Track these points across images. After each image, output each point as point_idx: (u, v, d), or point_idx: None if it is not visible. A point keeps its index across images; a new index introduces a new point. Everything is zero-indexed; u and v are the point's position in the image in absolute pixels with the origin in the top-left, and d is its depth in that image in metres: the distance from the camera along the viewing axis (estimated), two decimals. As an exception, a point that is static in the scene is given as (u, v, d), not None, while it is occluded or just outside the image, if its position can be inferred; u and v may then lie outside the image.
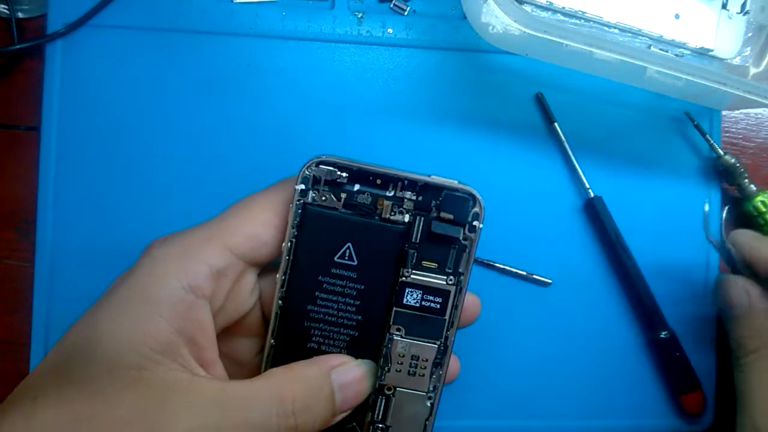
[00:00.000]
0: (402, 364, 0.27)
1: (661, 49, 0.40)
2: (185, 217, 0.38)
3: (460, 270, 0.27)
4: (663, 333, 0.40)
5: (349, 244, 0.26)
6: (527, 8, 0.39)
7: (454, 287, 0.27)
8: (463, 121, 0.40)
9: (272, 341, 0.27)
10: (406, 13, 0.40)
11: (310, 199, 0.26)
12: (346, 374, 0.26)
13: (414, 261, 0.27)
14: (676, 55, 0.41)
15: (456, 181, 0.26)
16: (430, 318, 0.27)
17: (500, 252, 0.40)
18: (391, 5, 0.40)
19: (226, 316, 0.27)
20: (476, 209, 0.26)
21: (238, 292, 0.27)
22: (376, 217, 0.26)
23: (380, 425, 0.28)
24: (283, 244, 0.26)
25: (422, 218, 0.27)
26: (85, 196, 0.38)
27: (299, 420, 0.24)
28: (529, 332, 0.40)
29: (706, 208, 0.41)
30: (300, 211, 0.26)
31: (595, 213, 0.40)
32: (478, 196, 0.26)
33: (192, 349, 0.24)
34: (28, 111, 0.38)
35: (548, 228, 0.40)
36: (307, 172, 0.26)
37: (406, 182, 0.26)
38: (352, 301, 0.27)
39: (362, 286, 0.27)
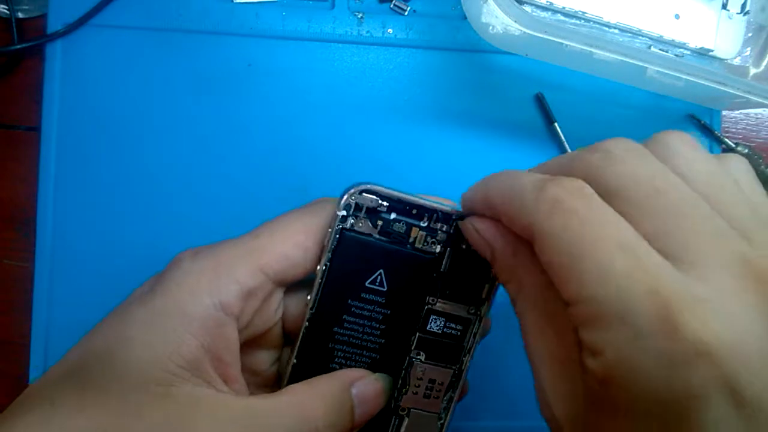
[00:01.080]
0: (419, 387, 0.28)
1: (661, 50, 0.40)
2: (185, 217, 0.38)
3: (483, 303, 0.28)
4: (663, 333, 0.40)
5: (381, 270, 0.27)
6: (527, 8, 0.39)
7: (474, 317, 0.28)
8: (463, 121, 0.40)
9: (294, 360, 0.27)
10: (406, 13, 0.40)
11: (348, 225, 0.26)
12: (365, 388, 0.27)
13: (441, 290, 0.28)
14: (676, 55, 0.41)
15: (441, 205, 0.27)
16: (450, 344, 0.28)
17: (500, 252, 0.40)
18: (391, 5, 0.40)
19: (250, 332, 0.27)
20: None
21: (264, 311, 0.27)
22: (409, 246, 0.27)
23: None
24: (318, 267, 0.26)
25: (451, 249, 0.27)
26: (85, 196, 0.38)
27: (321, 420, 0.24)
28: (529, 332, 0.40)
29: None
30: (338, 236, 0.26)
31: (595, 213, 0.40)
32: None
33: (217, 365, 0.24)
34: (28, 111, 0.38)
35: (548, 228, 0.40)
36: (349, 200, 0.26)
37: (440, 214, 0.27)
38: (377, 325, 0.28)
39: (389, 311, 0.27)
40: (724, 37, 0.41)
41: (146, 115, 0.38)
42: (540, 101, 0.41)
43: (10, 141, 0.39)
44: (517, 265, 0.23)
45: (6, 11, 0.38)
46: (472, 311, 0.28)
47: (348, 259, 0.27)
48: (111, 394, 0.22)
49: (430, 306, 0.28)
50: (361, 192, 0.26)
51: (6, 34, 0.38)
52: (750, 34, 0.42)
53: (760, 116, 0.44)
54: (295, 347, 0.27)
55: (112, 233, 0.38)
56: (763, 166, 0.42)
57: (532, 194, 0.21)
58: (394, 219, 0.27)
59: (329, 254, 0.26)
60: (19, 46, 0.37)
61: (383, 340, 0.28)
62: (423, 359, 0.28)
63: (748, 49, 0.42)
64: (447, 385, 0.28)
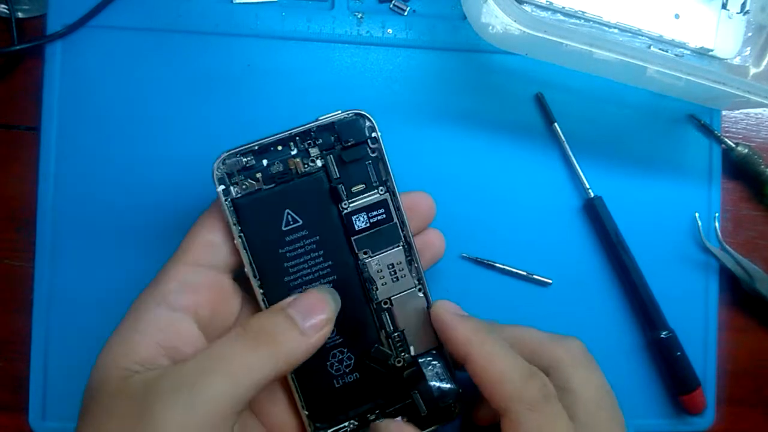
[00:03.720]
0: (383, 277, 0.30)
1: (661, 49, 0.40)
2: (185, 217, 0.38)
3: (384, 178, 0.30)
4: (663, 333, 0.40)
5: (287, 210, 0.29)
6: (527, 8, 0.39)
7: (388, 194, 0.30)
8: (463, 121, 0.40)
9: None
10: (405, 14, 0.40)
11: (235, 194, 0.28)
12: (301, 298, 0.28)
13: (345, 193, 0.29)
14: (676, 55, 0.41)
15: (339, 111, 0.29)
16: (384, 228, 0.30)
17: (500, 252, 0.40)
18: (391, 5, 0.40)
19: (221, 322, 0.29)
20: (368, 123, 0.29)
21: (220, 299, 0.29)
22: (295, 177, 0.29)
23: (396, 333, 0.31)
24: (235, 242, 0.28)
25: (331, 156, 0.29)
26: (85, 196, 0.38)
27: (263, 341, 0.26)
28: (529, 332, 0.40)
29: (697, 216, 0.41)
30: (232, 208, 0.28)
31: (595, 213, 0.40)
32: (363, 111, 0.29)
33: (177, 356, 0.27)
34: (28, 111, 0.38)
35: (548, 228, 0.40)
36: (218, 173, 0.28)
37: (300, 136, 0.29)
38: (316, 254, 0.29)
39: (317, 237, 0.29)
40: (724, 36, 0.41)
41: (146, 115, 0.38)
42: (540, 101, 0.41)
43: (10, 141, 0.39)
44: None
45: (6, 11, 0.38)
46: (382, 190, 0.30)
47: (254, 220, 0.28)
48: (83, 410, 0.26)
49: (345, 210, 0.29)
50: (223, 161, 0.28)
51: (6, 35, 0.38)
52: (750, 34, 0.42)
53: (760, 116, 0.44)
54: (263, 307, 0.29)
55: (111, 232, 0.38)
56: (763, 166, 0.42)
57: (515, 382, 0.27)
58: (267, 164, 0.28)
59: (236, 227, 0.28)
60: (19, 47, 0.37)
61: (330, 262, 0.30)
62: (371, 253, 0.30)
63: (748, 48, 0.42)
64: (406, 260, 0.30)
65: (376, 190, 0.30)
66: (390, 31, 0.40)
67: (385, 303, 0.30)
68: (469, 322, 0.30)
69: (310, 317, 0.28)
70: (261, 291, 0.29)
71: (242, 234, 0.28)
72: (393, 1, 0.40)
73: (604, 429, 0.29)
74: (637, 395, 0.41)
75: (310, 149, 0.29)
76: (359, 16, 0.40)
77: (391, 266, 0.30)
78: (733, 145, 0.42)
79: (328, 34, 0.39)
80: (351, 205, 0.29)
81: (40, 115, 0.37)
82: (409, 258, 0.30)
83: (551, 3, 0.39)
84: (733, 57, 0.42)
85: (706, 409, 0.40)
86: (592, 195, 0.40)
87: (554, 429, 0.27)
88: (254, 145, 0.28)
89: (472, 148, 0.40)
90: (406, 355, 0.31)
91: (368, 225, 0.30)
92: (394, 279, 0.30)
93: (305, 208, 0.29)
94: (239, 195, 0.28)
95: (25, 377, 0.37)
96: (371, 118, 0.29)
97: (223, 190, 0.28)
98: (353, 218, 0.29)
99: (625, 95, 0.41)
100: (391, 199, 0.30)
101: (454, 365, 0.32)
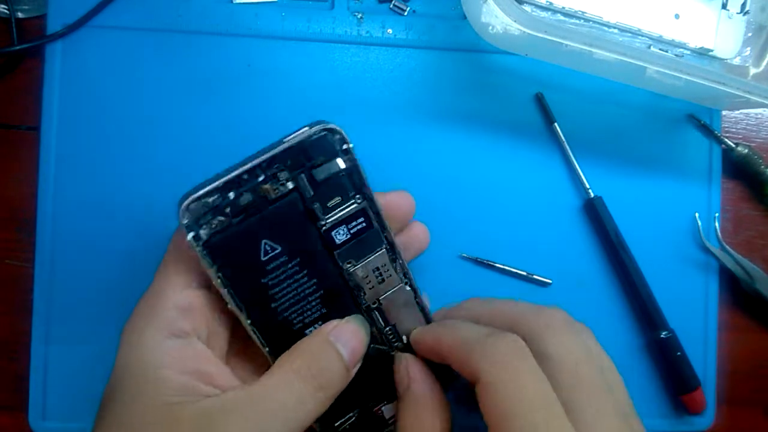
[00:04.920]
0: (370, 281, 0.30)
1: (661, 49, 0.40)
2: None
3: (360, 186, 0.28)
4: (663, 333, 0.40)
5: (264, 240, 0.27)
6: (527, 8, 0.39)
7: (365, 201, 0.29)
8: (463, 121, 0.40)
9: (267, 350, 0.29)
10: (405, 14, 0.40)
11: (205, 236, 0.26)
12: (341, 331, 0.28)
13: (322, 210, 0.28)
14: (676, 55, 0.41)
15: (306, 128, 0.27)
16: (365, 236, 0.29)
17: (500, 252, 0.40)
18: (391, 5, 0.40)
19: (225, 335, 0.29)
20: (338, 136, 0.27)
21: (212, 315, 0.28)
22: (268, 204, 0.27)
23: (388, 328, 0.31)
24: (214, 284, 0.27)
25: (303, 175, 0.27)
26: (85, 196, 0.38)
27: (322, 380, 0.26)
28: (529, 332, 0.40)
29: (696, 216, 0.41)
30: (206, 251, 0.26)
31: (595, 213, 0.40)
32: (331, 124, 0.27)
33: (204, 378, 0.26)
34: (28, 111, 0.38)
35: (548, 228, 0.40)
36: (185, 221, 0.26)
37: (266, 162, 0.27)
38: (300, 275, 0.28)
39: (299, 259, 0.28)
40: (724, 36, 0.41)
41: (146, 115, 0.38)
42: (540, 101, 0.41)
43: (10, 141, 0.39)
44: (421, 410, 0.28)
45: (6, 11, 0.38)
46: (359, 199, 0.28)
47: (231, 258, 0.27)
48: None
49: (324, 227, 0.28)
50: (188, 207, 0.26)
51: (6, 35, 0.38)
52: (750, 34, 0.42)
53: (760, 116, 0.44)
54: (258, 343, 0.28)
55: (111, 233, 0.38)
56: (763, 166, 0.42)
57: (480, 344, 0.26)
58: (236, 195, 0.27)
59: (212, 269, 0.27)
60: (19, 47, 0.37)
61: (315, 279, 0.29)
62: (355, 262, 0.29)
63: (748, 48, 0.42)
64: (389, 260, 0.30)
65: (353, 200, 0.28)
66: (390, 31, 0.40)
67: (374, 303, 0.30)
68: (433, 328, 0.30)
69: (353, 353, 0.28)
70: (249, 323, 0.28)
71: (220, 276, 0.27)
72: (393, 1, 0.40)
73: (589, 393, 0.26)
74: (637, 395, 0.40)
75: (279, 173, 0.27)
76: (359, 16, 0.40)
77: (376, 269, 0.30)
78: (733, 145, 0.42)
79: (328, 34, 0.39)
80: (329, 220, 0.28)
81: (40, 115, 0.37)
82: (392, 257, 0.30)
83: (551, 3, 0.39)
84: (733, 57, 0.42)
85: (706, 409, 0.40)
86: (592, 195, 0.40)
87: (527, 383, 0.25)
88: (219, 183, 0.26)
89: (472, 148, 0.40)
90: (400, 344, 0.31)
91: (349, 237, 0.29)
92: (381, 281, 0.30)
93: (282, 234, 0.28)
94: (210, 236, 0.26)
95: (25, 377, 0.37)
96: (341, 131, 0.27)
97: (193, 237, 0.26)
98: (333, 234, 0.28)
99: (625, 95, 0.41)
100: (370, 206, 0.29)
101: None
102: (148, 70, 0.38)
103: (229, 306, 0.28)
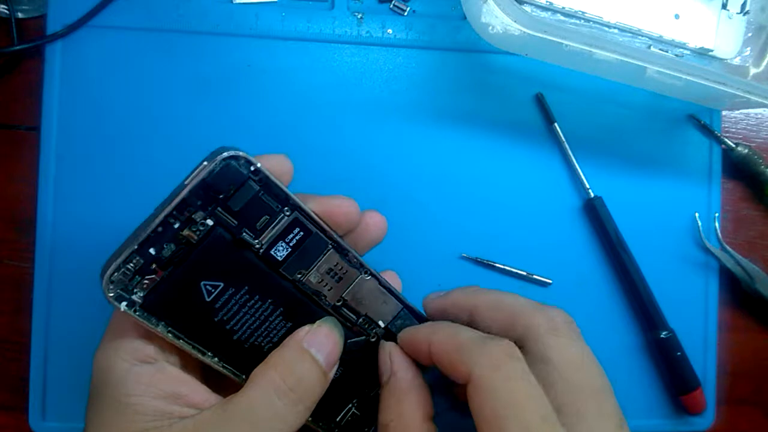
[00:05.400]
0: (327, 283, 0.29)
1: (661, 49, 0.40)
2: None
3: (284, 198, 0.27)
4: (663, 333, 0.40)
5: (202, 283, 0.27)
6: (527, 8, 0.39)
7: (294, 211, 0.28)
8: (463, 121, 0.40)
9: (243, 377, 0.28)
10: (405, 14, 0.40)
11: (140, 300, 0.26)
12: (314, 335, 0.28)
13: (252, 234, 0.27)
14: (676, 55, 0.41)
15: (205, 162, 0.26)
16: (307, 243, 0.28)
17: (500, 252, 0.40)
18: (391, 5, 0.40)
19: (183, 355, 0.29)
20: (242, 161, 0.26)
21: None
22: (194, 248, 0.26)
23: (359, 319, 0.30)
24: (166, 338, 0.27)
25: (219, 208, 0.26)
26: (85, 196, 0.38)
27: (300, 392, 0.26)
28: (529, 332, 0.40)
29: (696, 216, 0.41)
30: (146, 314, 0.26)
31: (595, 213, 0.40)
32: (231, 151, 0.26)
33: (179, 400, 0.26)
34: (28, 111, 0.38)
35: (548, 228, 0.40)
36: (111, 294, 0.26)
37: (177, 209, 0.26)
38: (253, 301, 0.28)
39: (246, 287, 0.27)
40: (723, 37, 0.41)
41: (146, 115, 0.38)
42: (540, 101, 0.41)
43: (10, 141, 0.39)
44: (403, 398, 0.28)
45: (6, 11, 0.38)
46: (288, 211, 0.27)
47: (174, 311, 0.26)
48: None
49: (261, 249, 0.27)
50: (110, 278, 0.25)
51: (6, 35, 0.38)
52: (750, 34, 0.42)
53: (760, 116, 0.44)
54: (230, 376, 0.28)
55: (111, 233, 0.37)
56: (763, 166, 0.42)
57: (474, 348, 0.26)
58: (157, 250, 0.26)
59: (159, 328, 0.26)
60: (19, 47, 0.37)
61: (270, 299, 0.28)
62: (305, 271, 0.28)
63: (748, 49, 0.42)
64: (340, 257, 0.29)
65: (281, 214, 0.27)
66: (390, 31, 0.40)
67: (339, 301, 0.30)
68: (423, 331, 0.29)
69: (328, 357, 0.28)
70: (216, 361, 0.28)
71: (169, 330, 0.26)
72: (393, 1, 0.40)
73: (586, 399, 0.26)
74: (637, 395, 0.41)
75: (194, 215, 0.26)
76: (359, 17, 0.40)
77: (329, 271, 0.29)
78: (733, 145, 0.42)
79: (328, 34, 0.39)
80: (263, 241, 0.27)
81: (40, 115, 0.37)
82: (342, 252, 0.29)
83: (551, 3, 0.39)
84: (733, 57, 0.42)
85: (706, 409, 0.40)
86: (592, 195, 0.40)
87: (519, 387, 0.24)
88: (135, 245, 0.25)
89: (472, 148, 0.40)
90: (378, 330, 0.31)
91: (290, 249, 0.28)
92: (338, 279, 0.29)
93: (219, 270, 0.27)
94: (144, 298, 0.26)
95: (25, 377, 0.37)
96: (243, 155, 0.26)
97: (126, 305, 0.25)
98: (272, 252, 0.28)
99: (625, 95, 0.41)
100: (300, 214, 0.28)
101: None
102: (148, 70, 0.38)
103: (191, 354, 0.27)
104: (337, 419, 0.31)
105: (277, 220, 0.27)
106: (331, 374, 0.28)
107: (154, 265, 0.26)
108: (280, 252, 0.28)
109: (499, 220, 0.40)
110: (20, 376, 0.37)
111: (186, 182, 0.26)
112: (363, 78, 0.40)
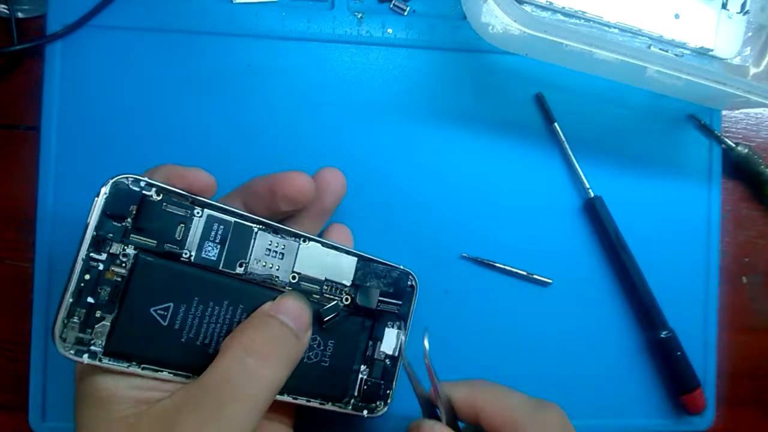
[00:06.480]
0: (272, 265, 0.29)
1: (661, 49, 0.40)
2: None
3: (189, 200, 0.28)
4: (663, 333, 0.40)
5: (150, 310, 0.27)
6: (527, 8, 0.39)
7: (203, 208, 0.28)
8: (463, 121, 0.40)
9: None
10: (406, 13, 0.40)
11: (100, 348, 0.26)
12: (277, 305, 0.28)
13: (176, 246, 0.27)
14: (676, 55, 0.41)
15: (96, 198, 0.26)
16: (232, 234, 0.28)
17: (500, 252, 0.40)
18: (391, 5, 0.40)
19: None
20: (131, 179, 0.26)
21: None
22: (126, 280, 0.26)
23: (323, 287, 0.31)
24: (145, 376, 0.27)
25: (131, 234, 0.26)
26: (85, 196, 0.37)
27: (270, 347, 0.26)
28: (529, 332, 0.40)
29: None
30: (111, 359, 0.26)
31: (595, 213, 0.40)
32: (115, 177, 0.26)
33: (156, 386, 0.27)
34: (28, 111, 0.38)
35: (548, 228, 0.40)
36: (71, 351, 0.26)
37: (86, 254, 0.26)
38: (210, 309, 0.28)
39: (196, 298, 0.27)
40: (723, 36, 0.41)
41: (146, 115, 0.38)
42: (540, 101, 0.41)
43: (10, 141, 0.39)
44: None
45: (6, 11, 0.38)
46: (198, 212, 0.28)
47: (138, 347, 0.26)
48: None
49: (190, 256, 0.27)
50: (63, 339, 0.25)
51: (6, 35, 0.38)
52: (750, 34, 0.42)
53: (760, 116, 0.44)
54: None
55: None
56: (763, 166, 0.42)
57: (529, 414, 0.29)
58: (94, 297, 0.26)
59: (130, 367, 0.26)
60: (19, 47, 0.37)
61: (226, 301, 0.28)
62: (245, 261, 0.28)
63: (748, 48, 0.42)
64: (272, 234, 0.29)
65: (193, 216, 0.27)
66: (390, 31, 0.40)
67: (294, 278, 0.30)
68: (476, 390, 0.30)
69: (297, 319, 0.28)
70: (197, 377, 0.27)
71: (141, 366, 0.27)
72: (393, 1, 0.40)
73: None
74: (637, 395, 0.41)
75: (110, 251, 0.26)
76: (359, 16, 0.40)
77: (267, 251, 0.29)
78: (733, 145, 0.42)
79: (328, 34, 0.39)
80: (189, 248, 0.27)
81: (40, 115, 0.37)
82: (273, 229, 0.29)
83: (551, 3, 0.39)
84: (733, 57, 0.42)
85: (706, 409, 0.40)
86: (592, 195, 0.40)
87: None
88: (69, 298, 0.25)
89: (472, 147, 0.40)
90: (347, 288, 0.31)
91: (219, 246, 0.28)
92: (280, 256, 0.29)
93: (161, 292, 0.27)
94: (104, 346, 0.26)
95: (25, 377, 0.37)
96: (131, 175, 0.26)
97: (89, 356, 0.26)
98: (203, 255, 0.28)
99: (625, 95, 0.41)
100: (213, 209, 0.28)
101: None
102: (148, 70, 0.38)
103: (177, 382, 0.27)
104: (355, 393, 0.31)
105: (192, 224, 0.27)
106: (306, 337, 0.28)
107: (98, 312, 0.26)
108: (211, 252, 0.28)
109: (500, 220, 0.40)
110: (20, 376, 0.37)
111: (88, 221, 0.26)
112: (363, 78, 0.40)
